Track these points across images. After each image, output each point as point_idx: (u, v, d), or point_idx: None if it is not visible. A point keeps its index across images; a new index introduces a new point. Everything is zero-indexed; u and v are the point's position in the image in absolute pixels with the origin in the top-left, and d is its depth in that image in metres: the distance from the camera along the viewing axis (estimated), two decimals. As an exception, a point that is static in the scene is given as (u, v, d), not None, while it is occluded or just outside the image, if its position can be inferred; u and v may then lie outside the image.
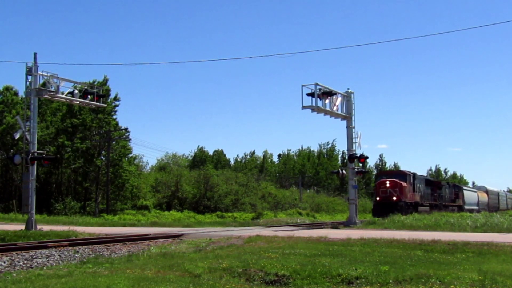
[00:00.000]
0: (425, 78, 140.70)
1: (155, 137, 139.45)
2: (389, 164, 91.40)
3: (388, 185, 34.42)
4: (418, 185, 39.81)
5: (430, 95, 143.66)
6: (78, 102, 26.23)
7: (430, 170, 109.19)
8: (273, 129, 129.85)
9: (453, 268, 9.63)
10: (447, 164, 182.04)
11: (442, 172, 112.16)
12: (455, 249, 12.75)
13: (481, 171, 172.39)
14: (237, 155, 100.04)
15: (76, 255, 12.40)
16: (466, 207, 56.14)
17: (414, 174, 39.69)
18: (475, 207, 61.77)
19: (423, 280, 8.47)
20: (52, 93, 23.72)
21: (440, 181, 52.04)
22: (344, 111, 26.99)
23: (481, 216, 29.81)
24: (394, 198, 33.29)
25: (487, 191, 74.50)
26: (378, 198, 34.62)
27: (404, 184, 35.13)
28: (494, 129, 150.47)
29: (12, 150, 41.47)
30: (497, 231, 20.30)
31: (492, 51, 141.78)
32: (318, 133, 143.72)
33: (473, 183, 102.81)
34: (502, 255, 11.80)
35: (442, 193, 47.25)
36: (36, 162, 22.78)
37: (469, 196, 60.73)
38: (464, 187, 62.84)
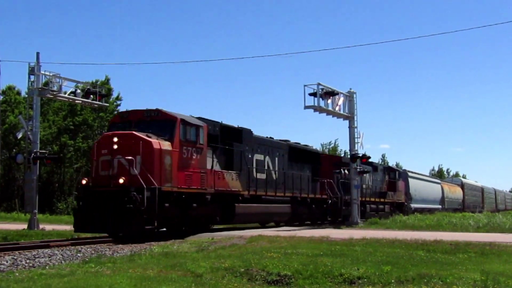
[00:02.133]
0: (428, 78, 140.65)
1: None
2: (391, 164, 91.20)
3: (115, 145, 15.51)
4: (255, 152, 21.27)
5: (433, 95, 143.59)
6: (80, 102, 26.31)
7: (433, 170, 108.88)
8: (274, 128, 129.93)
9: (455, 268, 9.63)
10: (450, 164, 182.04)
11: (445, 172, 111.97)
12: (457, 249, 12.73)
13: (484, 171, 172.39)
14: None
15: (79, 255, 12.41)
16: (415, 205, 39.80)
17: (224, 126, 19.67)
18: (436, 206, 44.76)
19: (425, 280, 8.47)
20: (54, 93, 23.78)
21: (341, 157, 34.71)
22: (346, 111, 26.96)
23: (483, 216, 29.90)
24: (121, 181, 14.98)
25: (462, 185, 56.92)
26: (84, 181, 16.15)
27: (160, 145, 15.73)
28: (497, 129, 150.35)
29: (14, 150, 41.54)
30: (500, 231, 20.27)
31: (494, 51, 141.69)
32: (321, 133, 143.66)
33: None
34: (504, 255, 11.78)
35: (347, 179, 28.17)
36: (38, 161, 22.82)
37: (422, 188, 42.21)
38: (412, 174, 42.13)
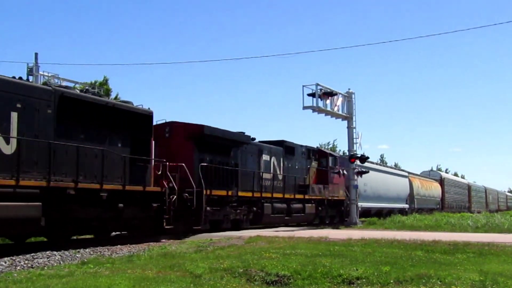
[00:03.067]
0: (426, 79, 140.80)
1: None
2: (389, 165, 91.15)
3: None
4: None
5: (431, 96, 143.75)
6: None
7: (431, 170, 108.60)
8: (273, 129, 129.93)
9: (454, 269, 9.63)
10: (448, 165, 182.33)
11: (444, 172, 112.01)
12: (456, 249, 12.75)
13: (483, 171, 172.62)
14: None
15: (77, 255, 12.39)
16: (364, 203, 30.31)
17: None
18: (399, 205, 36.16)
19: (423, 281, 8.47)
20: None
21: (203, 127, 18.64)
22: (345, 112, 27.04)
23: (482, 216, 30.04)
24: None
25: (441, 180, 48.46)
26: None
27: None
28: (496, 129, 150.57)
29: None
30: (498, 232, 20.35)
31: (492, 51, 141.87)
32: (319, 133, 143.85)
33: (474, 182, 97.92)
34: (503, 255, 11.80)
35: (231, 160, 20.23)
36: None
37: (377, 181, 32.22)
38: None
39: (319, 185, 26.19)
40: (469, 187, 57.91)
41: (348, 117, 27.24)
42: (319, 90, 24.38)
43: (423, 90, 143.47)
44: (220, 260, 10.63)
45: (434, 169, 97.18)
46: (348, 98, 27.33)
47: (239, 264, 9.94)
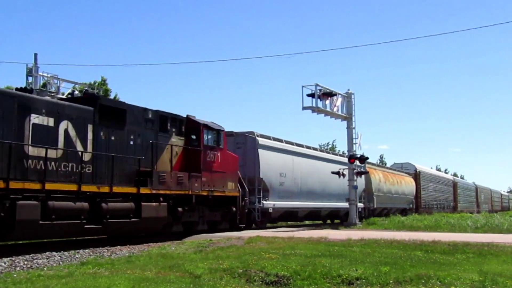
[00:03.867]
0: (426, 79, 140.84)
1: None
2: (389, 165, 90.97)
3: None
4: None
5: (431, 96, 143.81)
6: (78, 103, 26.16)
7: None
8: (273, 129, 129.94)
9: (453, 269, 9.63)
10: (448, 165, 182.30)
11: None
12: (456, 249, 12.75)
13: (482, 171, 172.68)
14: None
15: (77, 256, 12.39)
16: (280, 202, 22.69)
17: None
18: (340, 205, 27.20)
19: (423, 281, 8.47)
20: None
21: None
22: (345, 112, 27.02)
23: (481, 216, 30.09)
24: None
25: (416, 174, 40.68)
26: None
27: None
28: (495, 130, 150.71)
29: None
30: (498, 232, 20.35)
31: (492, 51, 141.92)
32: (319, 134, 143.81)
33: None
34: (502, 255, 11.80)
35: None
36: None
37: (307, 170, 24.34)
38: (268, 141, 23.34)
39: (181, 173, 16.89)
40: (454, 184, 49.94)
41: (348, 118, 27.22)
42: (318, 91, 24.36)
43: (423, 90, 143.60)
44: (220, 260, 10.63)
45: (434, 169, 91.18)
46: (348, 98, 27.32)
47: (239, 264, 9.94)
